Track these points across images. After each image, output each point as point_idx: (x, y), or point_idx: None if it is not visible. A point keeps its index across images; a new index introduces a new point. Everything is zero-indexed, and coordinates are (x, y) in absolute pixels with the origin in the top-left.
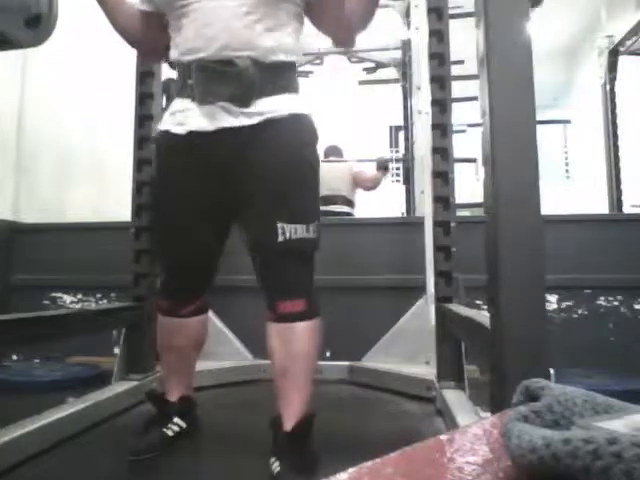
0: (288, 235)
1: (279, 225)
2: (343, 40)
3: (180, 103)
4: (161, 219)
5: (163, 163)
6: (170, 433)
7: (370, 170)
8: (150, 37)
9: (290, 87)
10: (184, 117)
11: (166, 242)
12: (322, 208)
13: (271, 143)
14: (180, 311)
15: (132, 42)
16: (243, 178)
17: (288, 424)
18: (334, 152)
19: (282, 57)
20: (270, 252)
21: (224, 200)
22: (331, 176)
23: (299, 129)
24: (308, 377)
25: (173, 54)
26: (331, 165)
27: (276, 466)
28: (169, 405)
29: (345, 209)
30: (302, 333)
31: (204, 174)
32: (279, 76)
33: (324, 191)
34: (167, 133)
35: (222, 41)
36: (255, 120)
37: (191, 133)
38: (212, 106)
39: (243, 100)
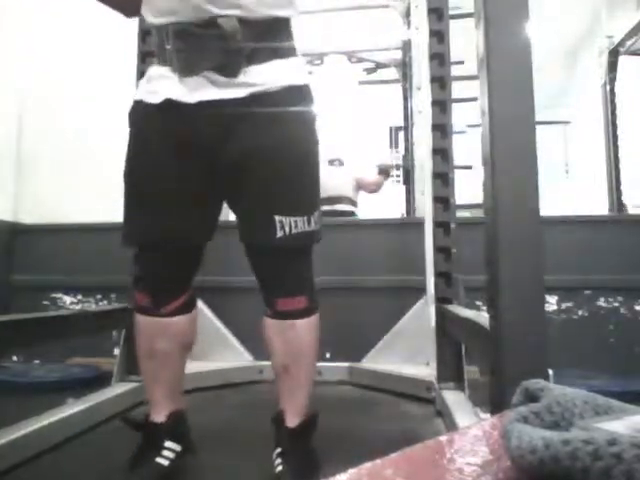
0: (288, 230)
1: (277, 218)
2: None
3: (157, 69)
4: (137, 198)
5: (137, 137)
6: (165, 462)
7: (372, 174)
8: None
9: (284, 50)
10: (160, 85)
11: (144, 223)
12: (327, 208)
13: (263, 121)
14: (163, 308)
15: None
16: (231, 160)
17: (291, 420)
18: (337, 161)
19: (274, 12)
20: (268, 248)
21: (209, 182)
22: (336, 179)
23: (294, 104)
24: (310, 372)
25: (145, 14)
26: (335, 169)
27: (278, 463)
28: (157, 428)
29: (349, 208)
30: (303, 330)
31: (184, 152)
32: (271, 37)
33: (329, 192)
34: (141, 103)
35: None
36: (243, 93)
37: (168, 103)
38: (194, 77)
39: (230, 69)
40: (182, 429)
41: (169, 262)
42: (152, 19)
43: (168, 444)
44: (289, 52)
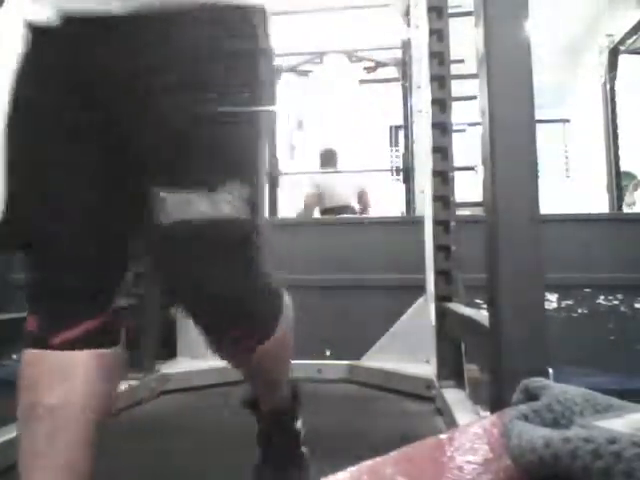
0: (174, 214)
1: (158, 195)
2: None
3: None
4: (20, 172)
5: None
6: None
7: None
8: None
9: None
10: None
11: (33, 208)
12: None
13: (171, 50)
14: (61, 335)
15: None
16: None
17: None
18: (329, 160)
19: None
20: (154, 246)
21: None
22: (339, 189)
23: (230, 28)
24: (273, 386)
25: None
26: (337, 176)
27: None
28: None
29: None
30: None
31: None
32: None
33: (334, 202)
34: (31, 26)
35: None
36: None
37: (67, 21)
38: None
39: None
40: None
41: (79, 254)
42: None
43: None
44: None
